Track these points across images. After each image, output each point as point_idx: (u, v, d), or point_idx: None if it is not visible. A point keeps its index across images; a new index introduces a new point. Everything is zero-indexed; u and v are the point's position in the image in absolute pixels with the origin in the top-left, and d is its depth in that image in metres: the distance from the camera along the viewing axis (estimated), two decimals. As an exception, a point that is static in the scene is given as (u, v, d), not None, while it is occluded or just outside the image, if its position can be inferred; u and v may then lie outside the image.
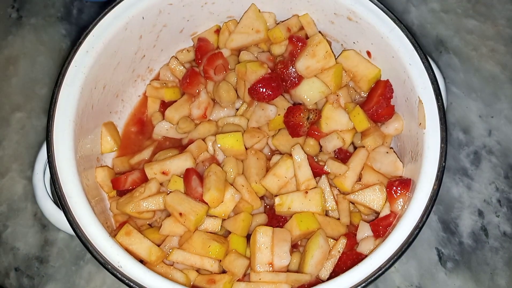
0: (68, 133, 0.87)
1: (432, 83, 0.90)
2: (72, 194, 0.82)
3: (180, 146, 1.10)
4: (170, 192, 0.96)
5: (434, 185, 0.82)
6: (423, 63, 0.92)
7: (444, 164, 0.83)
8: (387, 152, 0.99)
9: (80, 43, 0.92)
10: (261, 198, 1.02)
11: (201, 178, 0.97)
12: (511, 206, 1.17)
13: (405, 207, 0.87)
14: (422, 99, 0.90)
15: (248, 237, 0.96)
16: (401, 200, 0.90)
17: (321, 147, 1.04)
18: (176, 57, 1.17)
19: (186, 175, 0.97)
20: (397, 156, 0.99)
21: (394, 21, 0.96)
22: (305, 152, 1.03)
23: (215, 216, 0.95)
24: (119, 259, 0.79)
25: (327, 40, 1.12)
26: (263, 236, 0.88)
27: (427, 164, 0.85)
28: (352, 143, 1.06)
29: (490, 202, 1.17)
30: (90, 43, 0.93)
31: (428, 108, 0.89)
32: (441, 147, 0.85)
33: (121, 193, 1.02)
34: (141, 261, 0.89)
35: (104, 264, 0.77)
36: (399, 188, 0.90)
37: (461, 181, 1.19)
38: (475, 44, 1.34)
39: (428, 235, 1.14)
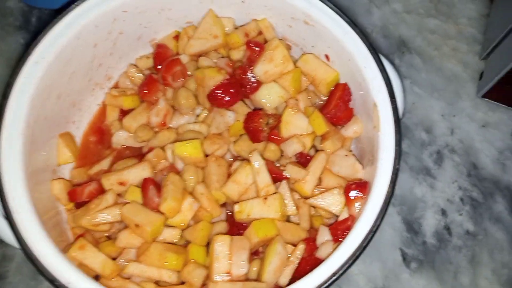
0: (17, 147, 0.85)
1: (387, 86, 0.90)
2: (20, 210, 0.80)
3: (140, 155, 1.08)
4: (127, 203, 0.95)
5: (389, 187, 0.82)
6: (377, 65, 0.92)
7: (398, 166, 0.83)
8: (346, 155, 0.99)
9: (29, 54, 0.90)
10: (223, 205, 1.01)
11: (159, 187, 0.95)
12: (474, 204, 1.18)
13: (362, 210, 0.87)
14: (376, 102, 0.90)
15: (208, 245, 0.95)
16: (358, 203, 0.89)
17: (282, 151, 1.03)
18: (135, 65, 1.15)
19: (144, 185, 0.96)
20: (356, 159, 0.99)
21: (349, 24, 0.96)
22: (265, 158, 1.03)
23: (173, 226, 0.93)
24: (69, 276, 0.77)
25: (286, 44, 1.12)
26: (221, 245, 0.87)
27: (382, 166, 0.85)
28: (314, 146, 1.05)
29: (453, 201, 1.18)
30: (40, 54, 0.91)
31: (382, 111, 0.89)
32: (395, 149, 0.85)
33: (79, 205, 1.00)
34: (97, 276, 0.87)
35: (52, 281, 0.75)
36: (356, 191, 0.90)
37: (424, 181, 1.20)
38: (437, 43, 1.36)
39: (392, 236, 1.14)
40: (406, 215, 1.16)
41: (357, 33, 0.95)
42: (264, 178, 0.94)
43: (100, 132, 1.15)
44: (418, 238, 1.14)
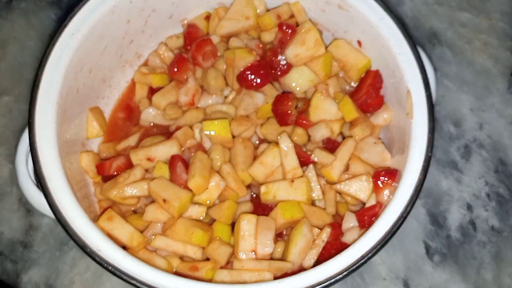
0: (51, 116, 0.86)
1: (421, 73, 0.89)
2: (53, 178, 0.81)
3: (167, 133, 1.09)
4: (155, 178, 0.95)
5: (420, 175, 0.81)
6: (412, 52, 0.91)
7: (430, 154, 0.82)
8: (375, 143, 0.98)
9: (65, 25, 0.91)
10: (248, 187, 1.01)
11: (186, 165, 0.96)
12: (500, 201, 1.16)
13: (391, 197, 0.86)
14: (410, 88, 0.89)
15: (233, 225, 0.95)
16: (387, 190, 0.89)
17: (309, 136, 1.03)
18: (165, 43, 1.15)
19: (172, 162, 0.96)
20: (385, 147, 0.98)
21: (385, 10, 0.94)
22: (292, 141, 1.02)
23: (199, 203, 0.94)
24: (99, 243, 0.78)
25: (318, 30, 1.11)
26: (247, 223, 0.87)
27: (413, 154, 0.84)
28: (341, 133, 1.05)
29: (479, 196, 1.16)
30: (75, 26, 0.92)
31: (416, 97, 0.88)
32: (428, 137, 0.84)
33: (106, 178, 1.01)
34: (124, 247, 0.88)
35: (83, 247, 0.76)
36: (385, 178, 0.89)
37: (450, 175, 1.18)
38: (469, 37, 1.33)
39: (416, 228, 1.13)
40: (431, 207, 1.15)
41: (393, 19, 0.94)
42: (292, 160, 0.94)
43: (128, 109, 1.16)
44: (442, 232, 1.13)
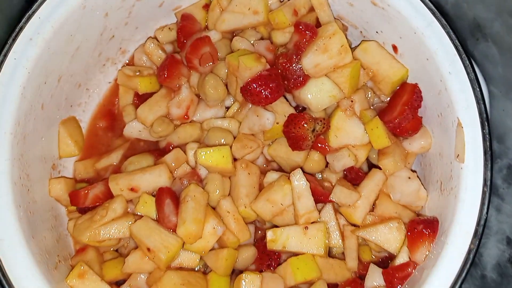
0: (3, 152, 0.68)
1: (478, 103, 0.69)
2: (4, 235, 0.64)
3: (156, 150, 0.91)
4: (139, 217, 0.78)
5: (471, 243, 0.64)
6: (467, 73, 0.71)
7: (486, 215, 0.64)
8: (409, 178, 0.80)
9: (21, 28, 0.70)
10: (252, 222, 0.84)
11: (176, 201, 0.78)
12: (546, 234, 0.99)
13: (432, 259, 0.69)
14: (462, 122, 0.70)
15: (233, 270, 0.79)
16: (425, 248, 0.72)
17: (328, 162, 0.85)
18: (154, 37, 0.95)
19: (159, 197, 0.79)
20: (421, 183, 0.80)
21: (434, 14, 0.74)
22: (306, 170, 0.85)
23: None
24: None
25: (342, 25, 0.90)
26: (249, 286, 0.71)
27: (463, 212, 0.66)
28: (367, 158, 0.86)
29: (522, 228, 1.00)
30: (34, 28, 0.71)
31: (470, 136, 0.69)
32: (483, 191, 0.66)
33: (83, 208, 0.84)
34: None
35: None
36: (424, 232, 0.72)
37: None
38: (520, 30, 1.11)
39: (446, 266, 0.97)
40: (464, 242, 0.98)
41: (443, 27, 0.73)
42: (306, 203, 0.77)
43: (110, 116, 0.97)
44: (476, 271, 0.97)
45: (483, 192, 0.65)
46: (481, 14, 1.13)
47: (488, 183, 0.65)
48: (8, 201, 0.66)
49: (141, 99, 0.93)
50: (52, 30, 0.73)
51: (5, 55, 0.69)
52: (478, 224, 0.64)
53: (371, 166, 0.87)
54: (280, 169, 0.88)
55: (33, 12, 0.71)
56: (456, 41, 0.71)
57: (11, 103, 0.69)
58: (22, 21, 0.70)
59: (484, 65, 1.10)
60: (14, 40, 0.70)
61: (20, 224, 0.66)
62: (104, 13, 0.82)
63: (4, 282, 0.62)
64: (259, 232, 0.86)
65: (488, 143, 0.67)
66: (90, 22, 0.80)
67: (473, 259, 0.63)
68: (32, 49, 0.71)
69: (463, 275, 0.63)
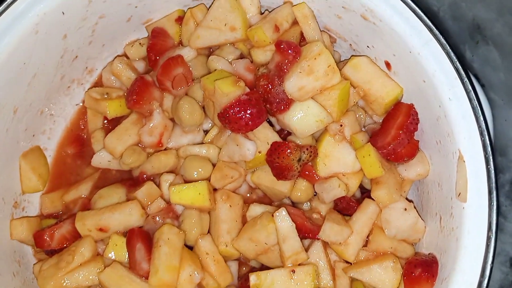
0: None
1: (481, 135, 0.62)
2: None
3: (129, 180, 0.83)
4: (109, 261, 0.71)
5: (476, 297, 0.57)
6: (470, 100, 0.63)
7: (491, 265, 0.57)
8: (406, 209, 0.73)
9: (-39, 61, 0.62)
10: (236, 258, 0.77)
11: (149, 244, 0.71)
12: (552, 255, 0.93)
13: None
14: (464, 155, 0.62)
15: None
16: (423, 293, 0.65)
17: (315, 192, 0.78)
18: (123, 54, 0.86)
19: (129, 241, 0.72)
20: (418, 214, 0.73)
21: (431, 31, 0.65)
22: (293, 200, 0.78)
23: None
24: None
25: (330, 37, 0.81)
26: None
27: (465, 260, 0.60)
28: (361, 185, 0.79)
29: (527, 249, 0.93)
30: (-23, 60, 0.63)
31: (473, 172, 0.61)
32: (487, 237, 0.58)
33: (49, 251, 0.77)
34: None
35: None
36: (422, 276, 0.66)
37: (491, 221, 0.94)
38: (523, 32, 1.03)
39: (446, 293, 0.91)
40: (465, 266, 0.92)
41: (443, 46, 0.65)
42: (293, 245, 0.70)
43: (79, 142, 0.89)
44: (478, 297, 0.91)
45: (488, 238, 0.58)
46: (481, 14, 1.05)
47: (494, 227, 0.58)
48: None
49: (112, 122, 0.85)
50: (0, 61, 0.64)
51: None
52: (482, 275, 0.57)
53: (364, 190, 0.80)
54: (265, 197, 0.81)
55: (-26, 43, 0.62)
56: (457, 63, 0.63)
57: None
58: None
59: (485, 71, 1.03)
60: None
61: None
62: (61, 35, 0.73)
63: None
64: (244, 268, 0.79)
65: (493, 182, 0.59)
66: (46, 47, 0.71)
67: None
68: (-24, 85, 0.63)
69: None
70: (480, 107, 0.62)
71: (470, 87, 0.63)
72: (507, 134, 0.99)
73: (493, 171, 0.60)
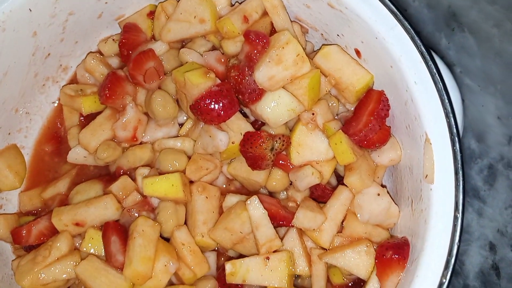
0: None
1: (447, 116, 0.62)
2: None
3: (107, 175, 0.84)
4: (86, 254, 0.71)
5: (443, 277, 0.57)
6: (435, 83, 0.63)
7: (458, 244, 0.58)
8: (379, 195, 0.74)
9: None
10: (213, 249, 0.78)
11: (124, 237, 0.72)
12: (531, 237, 0.94)
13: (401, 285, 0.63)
14: (430, 137, 0.63)
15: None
16: (395, 276, 0.65)
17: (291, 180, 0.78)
18: (96, 51, 0.87)
19: (105, 234, 0.72)
20: (392, 199, 0.74)
21: (395, 16, 0.66)
22: (269, 189, 0.79)
23: (145, 289, 0.71)
24: None
25: (301, 27, 0.82)
26: (205, 331, 0.65)
27: (434, 240, 0.60)
28: (334, 171, 0.79)
29: (505, 232, 0.94)
30: None
31: (439, 153, 0.62)
32: (454, 216, 0.59)
33: (28, 247, 0.77)
34: None
35: None
36: (393, 258, 0.66)
37: (470, 205, 0.95)
38: (498, 18, 1.04)
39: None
40: (445, 251, 0.92)
41: (407, 30, 0.65)
42: (266, 232, 0.70)
43: (56, 139, 0.90)
44: (458, 280, 0.92)
45: (455, 218, 0.59)
46: (457, 1, 1.06)
47: (460, 207, 0.59)
48: None
49: (88, 119, 0.85)
50: (-34, 59, 0.64)
51: None
52: (449, 254, 0.58)
53: (340, 178, 0.80)
54: (243, 188, 0.82)
55: None
56: (422, 47, 0.64)
57: None
58: None
59: (461, 57, 1.03)
60: None
61: None
62: (31, 33, 0.73)
63: None
64: (222, 259, 0.80)
65: (459, 162, 0.60)
66: (15, 45, 0.72)
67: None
68: None
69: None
70: (445, 89, 0.63)
71: (434, 70, 0.63)
72: (485, 119, 1.00)
73: (459, 152, 0.60)
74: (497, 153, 0.97)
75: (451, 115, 0.62)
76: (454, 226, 0.58)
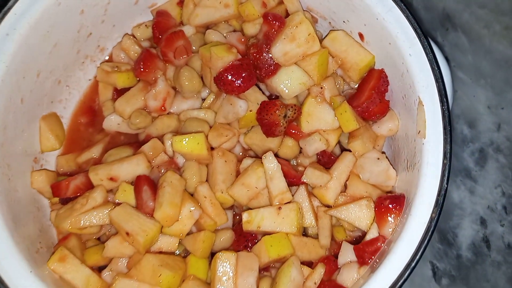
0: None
1: (437, 81, 0.72)
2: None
3: (136, 143, 0.94)
4: (118, 204, 0.81)
5: (433, 212, 0.67)
6: (426, 54, 0.74)
7: (446, 186, 0.67)
8: (378, 159, 0.83)
9: (-3, 24, 0.74)
10: (230, 207, 0.87)
11: (154, 188, 0.81)
12: (518, 214, 1.02)
13: (397, 231, 0.72)
14: (423, 100, 0.73)
15: (212, 254, 0.81)
16: (392, 222, 0.74)
17: (301, 148, 0.88)
18: (131, 34, 0.98)
19: (137, 185, 0.81)
20: (390, 163, 0.83)
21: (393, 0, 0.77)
22: (281, 156, 0.88)
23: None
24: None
25: (312, 17, 0.93)
26: (225, 264, 0.74)
27: (425, 184, 0.69)
28: (339, 142, 0.89)
29: (495, 209, 1.02)
30: (10, 24, 0.74)
31: (430, 112, 0.72)
32: (443, 164, 0.69)
33: (65, 200, 0.87)
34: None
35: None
36: (390, 207, 0.75)
37: (463, 184, 1.04)
38: (488, 20, 1.15)
39: (422, 247, 1.00)
40: (439, 223, 1.00)
41: (403, 11, 0.76)
42: (279, 184, 0.79)
43: (91, 112, 1.00)
44: (451, 251, 1.00)
45: (443, 164, 0.68)
46: (451, 5, 1.18)
47: (448, 155, 0.68)
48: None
49: (119, 94, 0.95)
50: (28, 26, 0.76)
51: (-18, 50, 0.72)
52: (439, 194, 0.67)
53: (343, 151, 0.90)
54: (256, 157, 0.91)
55: (9, 9, 0.74)
56: (415, 24, 0.75)
57: (-11, 96, 0.72)
58: (-2, 16, 0.73)
59: (455, 54, 1.14)
60: (-10, 35, 0.73)
61: (1, 207, 0.69)
62: (79, 10, 0.85)
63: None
64: (237, 217, 0.89)
65: (447, 119, 0.70)
66: (66, 19, 0.83)
67: (434, 227, 0.66)
68: (9, 44, 0.74)
69: (425, 242, 0.65)
70: (435, 59, 0.73)
71: (426, 44, 0.74)
72: (476, 108, 1.10)
73: (447, 110, 0.70)
74: (487, 138, 1.07)
75: (440, 80, 0.72)
76: (443, 171, 0.68)
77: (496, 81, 1.11)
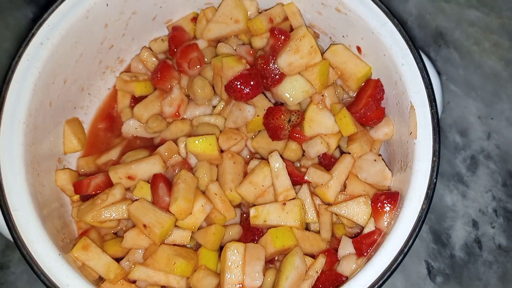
0: (17, 138, 0.78)
1: (426, 87, 0.80)
2: (19, 207, 0.74)
3: (151, 146, 1.01)
4: (136, 200, 0.88)
5: (423, 204, 0.74)
6: (417, 63, 0.82)
7: (435, 180, 0.75)
8: (375, 160, 0.90)
9: (33, 34, 0.82)
10: (238, 206, 0.94)
11: (169, 185, 0.88)
12: (508, 217, 1.09)
13: (392, 224, 0.79)
14: (414, 104, 0.81)
15: (221, 248, 0.88)
16: (387, 216, 0.81)
17: (304, 151, 0.95)
18: (148, 47, 1.07)
19: (153, 182, 0.88)
20: (386, 165, 0.91)
21: (387, 15, 0.85)
22: (285, 158, 0.95)
23: (184, 228, 0.86)
24: (68, 282, 0.70)
25: (314, 32, 1.02)
26: (233, 254, 0.80)
27: (417, 179, 0.76)
28: (339, 147, 0.97)
29: (486, 212, 1.09)
30: (44, 34, 0.83)
31: (421, 115, 0.79)
32: (432, 160, 0.76)
33: (85, 198, 0.94)
34: (101, 278, 0.81)
35: (49, 287, 0.69)
36: (385, 203, 0.82)
37: (455, 188, 1.11)
38: (477, 37, 1.24)
39: (418, 247, 1.06)
40: (434, 224, 1.07)
41: (395, 25, 0.85)
42: (284, 182, 0.86)
43: (110, 118, 1.08)
44: (445, 251, 1.06)
45: (433, 161, 0.75)
46: (443, 23, 1.27)
47: (437, 153, 0.75)
48: (22, 178, 0.76)
49: (137, 102, 1.04)
50: (59, 36, 0.84)
51: (19, 57, 0.80)
52: (429, 188, 0.74)
53: (343, 153, 0.97)
54: (262, 159, 0.99)
55: (44, 20, 0.82)
56: (407, 36, 0.83)
57: (24, 97, 0.80)
58: (34, 28, 0.82)
59: (447, 68, 1.23)
60: (27, 44, 0.81)
61: (32, 198, 0.76)
62: (104, 24, 0.94)
63: (19, 243, 0.71)
64: (244, 215, 0.96)
65: (435, 120, 0.77)
66: (92, 32, 0.92)
67: (425, 217, 0.73)
68: (42, 52, 0.83)
69: (417, 230, 0.72)
70: (425, 68, 0.81)
71: (416, 53, 0.82)
72: (467, 118, 1.18)
73: (435, 113, 0.78)
74: (478, 146, 1.14)
75: (429, 86, 0.80)
76: (433, 167, 0.75)
77: (486, 94, 1.19)
